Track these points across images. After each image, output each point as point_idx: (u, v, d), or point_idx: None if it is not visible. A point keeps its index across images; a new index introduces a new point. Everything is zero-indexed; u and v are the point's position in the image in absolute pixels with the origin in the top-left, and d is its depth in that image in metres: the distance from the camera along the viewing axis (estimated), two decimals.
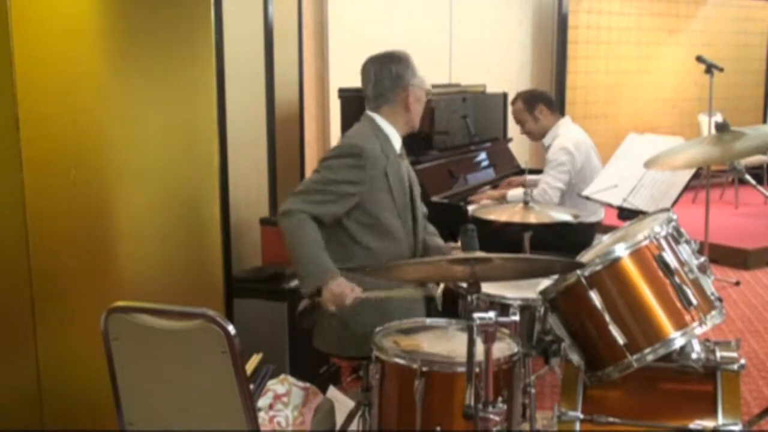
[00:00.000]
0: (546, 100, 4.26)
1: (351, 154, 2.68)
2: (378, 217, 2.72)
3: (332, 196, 2.64)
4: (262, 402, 2.77)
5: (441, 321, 2.39)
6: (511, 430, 2.11)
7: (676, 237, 2.14)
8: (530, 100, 4.24)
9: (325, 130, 5.53)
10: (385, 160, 2.73)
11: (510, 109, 4.38)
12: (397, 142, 2.83)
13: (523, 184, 4.22)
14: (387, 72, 2.79)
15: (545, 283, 2.22)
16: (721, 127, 2.57)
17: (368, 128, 2.80)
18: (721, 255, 5.89)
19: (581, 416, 2.14)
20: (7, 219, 2.70)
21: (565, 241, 3.76)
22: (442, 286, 2.68)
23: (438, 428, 2.01)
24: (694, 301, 2.04)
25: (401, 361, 2.07)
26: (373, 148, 2.71)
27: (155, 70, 2.81)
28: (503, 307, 2.52)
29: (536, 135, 4.27)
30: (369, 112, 2.84)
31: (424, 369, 2.02)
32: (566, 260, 2.12)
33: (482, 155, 4.77)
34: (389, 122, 2.81)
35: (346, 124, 4.03)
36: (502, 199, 4.19)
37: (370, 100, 2.84)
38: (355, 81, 4.24)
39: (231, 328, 1.81)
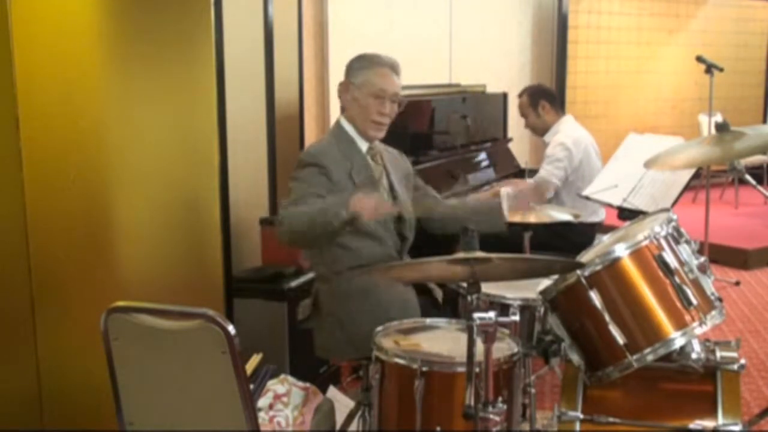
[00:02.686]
0: (550, 97, 4.34)
1: (311, 164, 2.66)
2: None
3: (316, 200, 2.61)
4: (262, 402, 2.77)
5: (441, 321, 2.39)
6: (511, 430, 2.11)
7: (676, 237, 2.14)
8: (534, 95, 4.32)
9: (325, 130, 5.52)
10: (349, 164, 2.70)
11: (516, 102, 4.43)
12: (362, 144, 2.79)
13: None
14: (346, 69, 2.80)
15: (545, 283, 2.22)
16: (721, 127, 2.57)
17: (331, 134, 2.80)
18: (721, 255, 5.89)
19: (581, 416, 2.14)
20: (7, 219, 2.70)
21: (565, 241, 3.77)
22: None
23: (438, 428, 2.01)
24: (694, 301, 2.04)
25: (401, 361, 2.07)
26: (331, 153, 2.69)
27: (155, 70, 2.81)
28: (503, 307, 2.52)
29: (538, 130, 4.34)
30: (339, 115, 2.85)
31: (424, 369, 2.02)
32: (566, 260, 2.12)
33: (482, 155, 4.78)
34: (348, 123, 2.79)
35: None
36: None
37: None
38: None
39: (231, 328, 1.81)
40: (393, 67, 2.76)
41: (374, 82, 2.73)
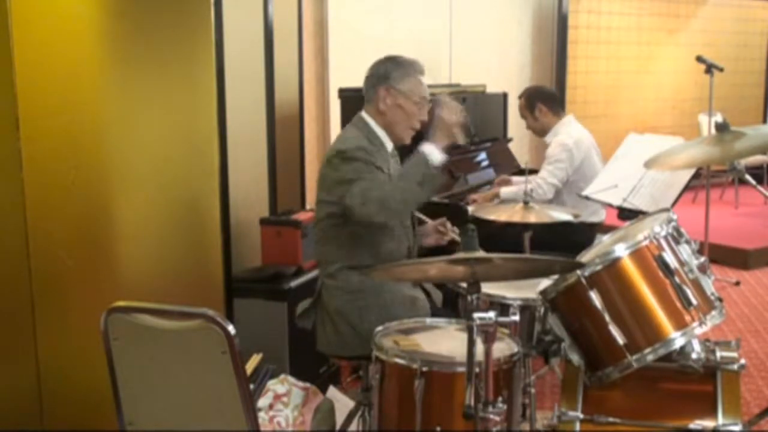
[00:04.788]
0: (547, 99, 4.32)
1: (358, 158, 2.62)
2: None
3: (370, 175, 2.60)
4: (262, 402, 2.77)
5: (441, 321, 2.39)
6: (511, 430, 2.11)
7: (676, 237, 2.14)
8: (531, 98, 4.32)
9: (325, 130, 5.53)
10: (386, 165, 2.71)
11: (517, 102, 4.44)
12: (388, 144, 2.79)
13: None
14: (377, 68, 2.75)
15: (545, 283, 2.22)
16: (721, 127, 2.57)
17: (360, 132, 2.74)
18: (721, 255, 5.89)
19: (581, 416, 2.14)
20: (7, 219, 2.70)
21: (565, 240, 3.76)
22: None
23: (438, 428, 2.01)
24: (694, 301, 2.04)
25: (401, 361, 2.07)
26: (371, 151, 2.67)
27: (155, 70, 2.81)
28: (503, 307, 2.52)
29: (537, 132, 4.36)
30: (362, 113, 2.79)
31: (424, 369, 2.02)
32: (566, 260, 2.12)
33: (482, 155, 4.77)
34: (377, 124, 2.76)
35: (346, 124, 4.01)
36: (496, 198, 4.22)
37: (364, 96, 2.80)
38: (355, 81, 4.25)
39: (231, 328, 1.81)
40: (423, 73, 2.80)
41: (418, 90, 2.75)
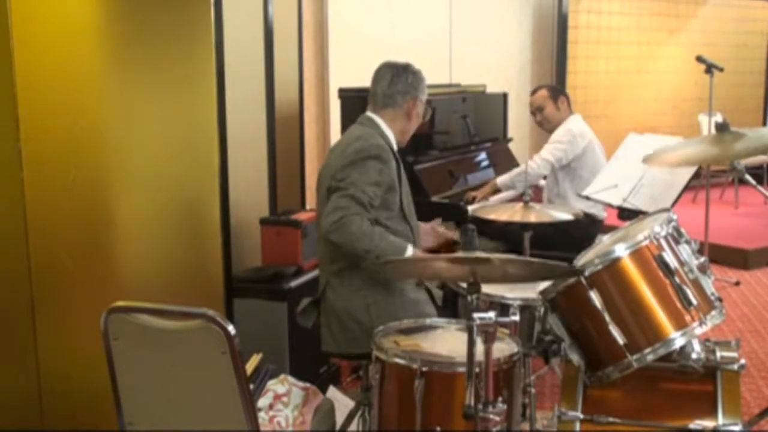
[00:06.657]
0: (566, 95, 4.51)
1: (374, 156, 2.67)
2: (397, 215, 2.75)
3: (372, 201, 2.65)
4: (262, 402, 2.77)
5: (441, 321, 2.39)
6: (511, 430, 2.11)
7: (676, 237, 2.14)
8: (555, 90, 4.49)
9: (325, 130, 5.54)
10: (397, 166, 2.76)
11: (529, 99, 4.53)
12: (395, 146, 2.84)
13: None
14: (404, 78, 2.84)
15: (545, 283, 2.22)
16: (721, 128, 2.57)
17: (375, 132, 2.79)
18: (721, 255, 5.89)
19: (581, 416, 2.14)
20: (7, 219, 2.70)
21: (567, 235, 3.77)
22: None
23: (438, 428, 2.01)
24: (694, 301, 2.04)
25: (401, 361, 2.07)
26: (388, 151, 2.73)
27: (155, 70, 2.81)
28: (503, 307, 2.53)
29: (552, 124, 4.43)
30: (371, 114, 2.83)
31: (424, 369, 2.02)
32: (566, 267, 2.09)
33: (482, 155, 4.78)
34: (388, 126, 2.83)
35: (346, 124, 4.03)
36: (495, 188, 4.28)
37: (378, 99, 2.83)
38: (355, 81, 4.26)
39: (231, 328, 1.81)
40: None
41: (424, 103, 2.93)
